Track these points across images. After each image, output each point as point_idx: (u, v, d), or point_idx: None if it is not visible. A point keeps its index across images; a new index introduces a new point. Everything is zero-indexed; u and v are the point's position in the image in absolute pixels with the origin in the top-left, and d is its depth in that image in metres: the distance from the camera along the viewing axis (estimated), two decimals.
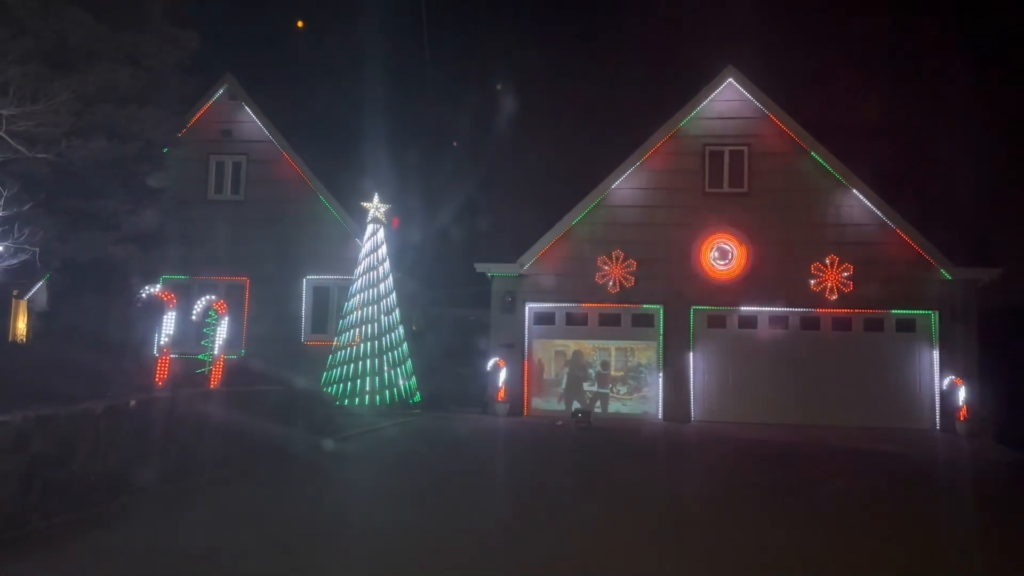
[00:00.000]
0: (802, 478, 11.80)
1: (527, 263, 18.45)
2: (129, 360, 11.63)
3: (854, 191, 17.77)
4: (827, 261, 17.62)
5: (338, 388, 16.98)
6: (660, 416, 18.01)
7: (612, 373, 18.59)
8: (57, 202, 14.19)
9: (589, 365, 18.64)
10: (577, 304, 18.55)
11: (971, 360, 17.19)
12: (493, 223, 20.68)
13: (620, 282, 18.15)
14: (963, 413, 16.80)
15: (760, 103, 18.21)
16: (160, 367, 10.52)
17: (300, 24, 27.07)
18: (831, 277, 17.57)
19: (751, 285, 17.83)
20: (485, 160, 24.75)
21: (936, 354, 17.49)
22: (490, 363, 18.28)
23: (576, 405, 17.92)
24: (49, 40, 13.84)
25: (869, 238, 17.73)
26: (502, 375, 18.09)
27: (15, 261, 12.42)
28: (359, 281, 17.61)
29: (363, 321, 17.35)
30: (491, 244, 19.35)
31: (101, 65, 14.30)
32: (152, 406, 9.16)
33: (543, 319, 18.74)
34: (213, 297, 11.87)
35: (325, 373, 17.35)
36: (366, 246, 17.73)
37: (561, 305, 18.61)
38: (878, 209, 17.64)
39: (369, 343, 17.20)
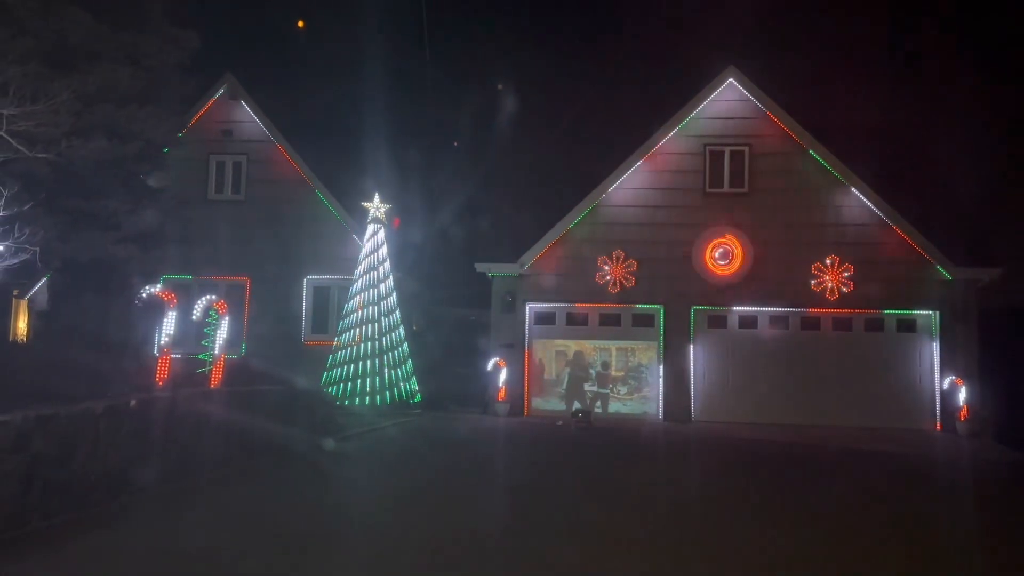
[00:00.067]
0: (802, 478, 11.79)
1: (527, 263, 18.45)
2: (129, 360, 11.63)
3: (854, 191, 17.77)
4: (827, 261, 17.62)
5: (338, 388, 16.97)
6: (660, 416, 18.00)
7: (613, 373, 18.59)
8: (57, 202, 14.19)
9: (590, 365, 18.63)
10: (577, 304, 18.54)
11: (971, 360, 17.18)
12: (493, 223, 20.70)
13: (620, 282, 18.15)
14: (963, 413, 16.79)
15: (761, 103, 18.20)
16: (160, 367, 10.52)
17: (300, 24, 27.07)
18: (831, 277, 17.57)
19: (751, 285, 17.82)
20: (485, 160, 24.76)
21: (936, 354, 17.48)
22: (490, 363, 18.28)
23: (577, 405, 17.92)
24: (49, 40, 13.83)
25: (869, 238, 17.73)
26: (502, 375, 18.09)
27: (15, 261, 12.42)
28: (359, 281, 17.61)
29: (364, 321, 17.34)
30: (491, 244, 19.35)
31: (101, 65, 14.29)
32: (152, 406, 9.15)
33: (543, 319, 18.73)
34: (213, 297, 11.86)
35: (325, 373, 17.35)
36: (367, 246, 17.73)
37: (561, 305, 18.61)
38: (878, 209, 17.64)
39: (369, 343, 17.19)
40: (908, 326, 17.86)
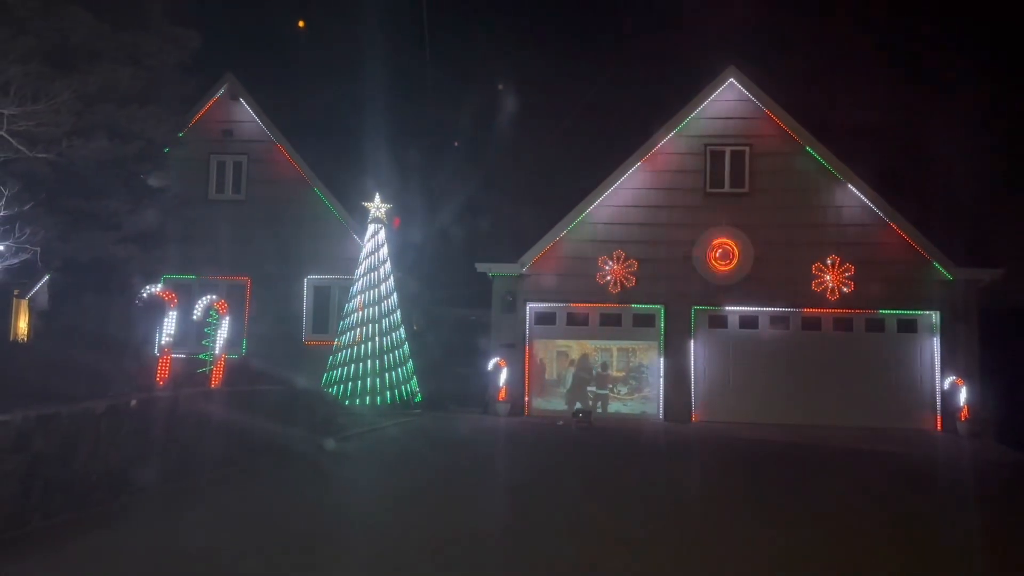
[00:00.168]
0: (803, 478, 11.79)
1: (528, 263, 18.44)
2: (130, 360, 11.64)
3: (855, 191, 17.76)
4: (828, 261, 17.61)
5: (339, 388, 16.97)
6: (661, 416, 18.00)
7: (613, 373, 18.59)
8: (58, 202, 14.19)
9: (594, 367, 18.63)
10: (578, 304, 18.54)
11: (972, 360, 17.17)
12: (494, 223, 20.69)
13: (621, 282, 18.14)
14: (964, 413, 16.79)
15: (761, 103, 18.19)
16: (161, 367, 10.53)
17: (301, 24, 27.08)
18: (832, 277, 17.56)
19: (752, 285, 17.81)
20: (486, 160, 24.75)
21: (937, 354, 17.47)
22: (491, 363, 18.28)
23: (578, 405, 17.92)
24: (50, 40, 13.82)
25: (870, 238, 17.72)
26: (503, 375, 18.09)
27: (16, 261, 12.43)
28: (360, 281, 17.61)
29: (364, 321, 17.34)
30: (492, 244, 19.35)
31: (102, 65, 14.29)
32: (153, 406, 9.16)
33: (544, 319, 18.73)
34: (214, 297, 11.86)
35: (326, 373, 17.35)
36: (367, 246, 17.73)
37: (562, 305, 18.60)
38: (879, 209, 17.63)
39: (370, 343, 17.19)
40: (909, 326, 17.85)
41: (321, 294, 19.87)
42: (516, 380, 18.26)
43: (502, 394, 18.03)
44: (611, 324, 18.57)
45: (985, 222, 18.93)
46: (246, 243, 19.45)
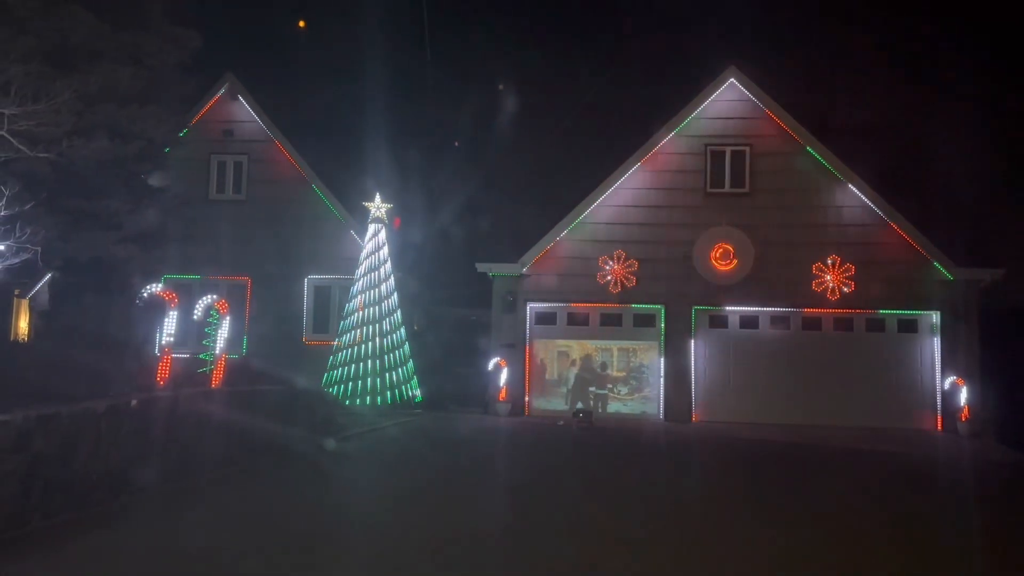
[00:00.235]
0: (803, 478, 11.79)
1: (528, 263, 18.44)
2: (130, 359, 11.63)
3: (856, 191, 17.75)
4: (829, 261, 17.60)
5: (340, 388, 16.97)
6: (661, 416, 18.00)
7: (614, 373, 18.59)
8: (59, 201, 14.19)
9: (596, 367, 18.63)
10: (578, 304, 18.54)
11: (973, 361, 17.17)
12: (494, 223, 20.69)
13: (621, 282, 18.14)
14: (965, 414, 16.78)
15: (762, 103, 18.19)
16: (161, 366, 10.52)
17: (301, 24, 27.08)
18: (833, 277, 17.55)
19: (753, 285, 17.80)
20: (486, 160, 24.75)
21: (938, 354, 17.47)
22: (491, 363, 18.28)
23: (580, 405, 17.91)
24: (50, 39, 13.82)
25: (871, 238, 17.71)
26: (503, 375, 18.09)
27: (17, 260, 12.43)
28: (360, 281, 17.61)
29: (365, 321, 17.34)
30: (492, 244, 19.35)
31: (102, 65, 14.29)
32: (153, 405, 9.16)
33: (544, 319, 18.73)
34: (215, 297, 11.86)
35: (326, 373, 17.35)
36: (368, 246, 17.73)
37: (562, 305, 18.60)
38: (880, 209, 17.62)
39: (370, 343, 17.19)
40: (909, 326, 17.85)
41: (321, 294, 19.87)
42: (516, 380, 18.26)
43: (502, 394, 18.03)
44: (611, 324, 18.57)
45: (985, 222, 18.92)
46: (246, 243, 19.45)
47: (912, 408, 17.50)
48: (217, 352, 11.59)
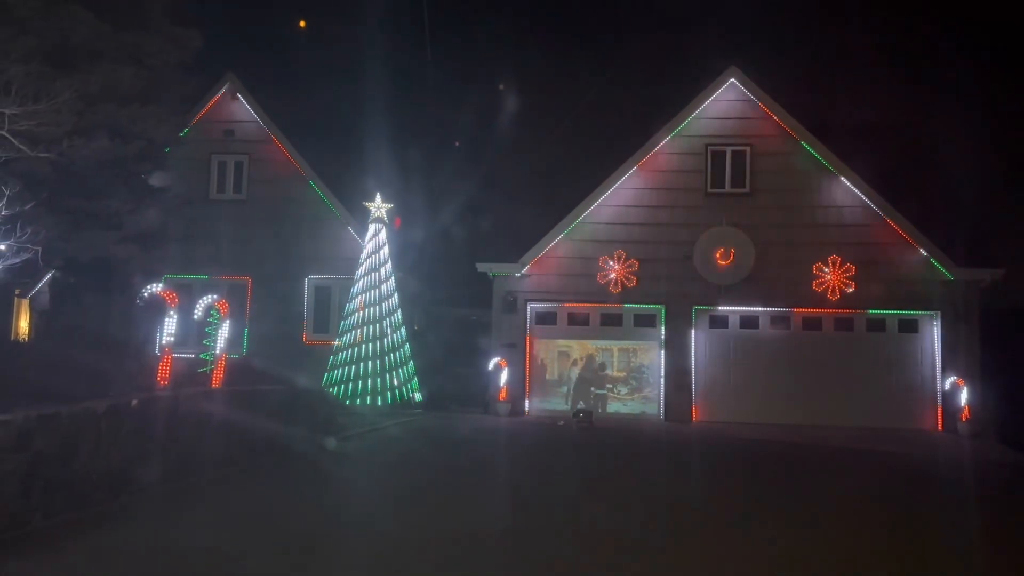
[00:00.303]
0: (804, 479, 11.79)
1: (529, 263, 18.44)
2: (131, 359, 11.62)
3: (856, 191, 17.76)
4: (829, 261, 17.60)
5: (340, 388, 16.98)
6: (662, 416, 18.00)
7: (614, 373, 18.59)
8: (59, 201, 14.19)
9: (598, 368, 18.63)
10: (579, 304, 18.54)
11: (973, 361, 17.17)
12: (494, 223, 20.68)
13: (622, 282, 18.14)
14: (965, 414, 16.78)
15: (762, 103, 18.19)
16: (162, 366, 10.52)
17: (302, 23, 27.08)
18: (833, 277, 17.55)
19: (753, 285, 17.80)
20: (487, 160, 24.75)
21: (938, 354, 17.47)
22: (492, 363, 18.28)
23: (581, 405, 17.91)
24: (51, 39, 13.81)
25: (871, 238, 17.72)
26: (503, 375, 18.09)
27: (18, 260, 12.43)
28: (361, 281, 17.62)
29: (365, 322, 17.35)
30: (493, 244, 19.35)
31: (103, 64, 14.28)
32: (154, 405, 9.16)
33: (545, 319, 18.73)
34: (215, 296, 11.86)
35: (327, 373, 17.36)
36: (368, 246, 17.73)
37: (563, 305, 18.60)
38: (880, 209, 17.62)
39: (371, 344, 17.20)
40: (909, 326, 17.85)
41: (322, 294, 19.88)
42: (517, 380, 18.27)
43: (503, 394, 18.03)
44: (612, 324, 18.58)
45: (985, 222, 18.92)
46: (247, 243, 19.47)
47: (912, 408, 17.50)
48: (217, 352, 11.60)
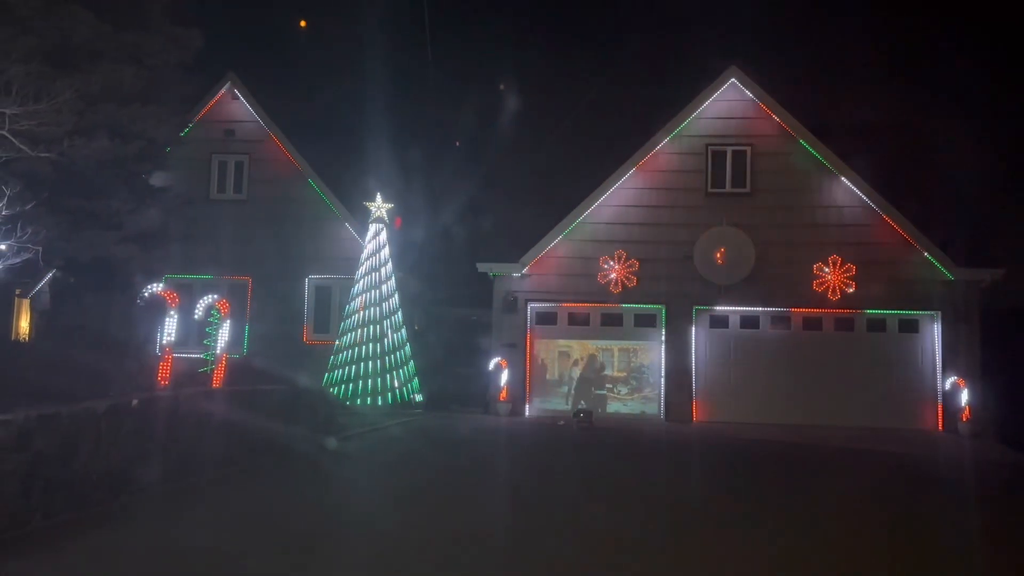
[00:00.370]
0: (804, 479, 11.79)
1: (529, 263, 18.44)
2: (131, 359, 11.61)
3: (857, 191, 17.75)
4: (830, 261, 17.60)
5: (341, 388, 16.98)
6: (662, 416, 18.00)
7: (614, 374, 18.59)
8: (59, 201, 14.19)
9: (599, 368, 18.62)
10: (579, 304, 18.54)
11: (974, 361, 17.16)
12: (495, 223, 20.69)
13: (622, 282, 18.14)
14: (966, 414, 16.77)
15: (763, 103, 18.19)
16: (162, 366, 10.52)
17: (303, 23, 27.09)
18: (833, 277, 17.55)
19: (753, 285, 17.80)
20: (487, 160, 24.76)
21: (939, 355, 17.46)
22: (492, 363, 18.28)
23: (582, 404, 17.91)
24: (52, 39, 13.82)
25: (871, 238, 17.71)
26: (504, 375, 18.09)
27: (18, 260, 12.43)
28: (362, 281, 17.62)
29: (366, 322, 17.35)
30: (493, 244, 19.35)
31: (104, 64, 14.29)
32: (154, 405, 9.16)
33: (545, 319, 18.73)
34: (215, 296, 11.86)
35: (327, 373, 17.36)
36: (369, 246, 17.74)
37: (563, 305, 18.60)
38: (881, 209, 17.62)
39: (372, 344, 17.20)
40: (910, 326, 17.84)
41: (322, 294, 19.88)
42: (517, 380, 18.27)
43: (503, 394, 18.03)
44: (612, 324, 18.58)
45: (986, 222, 18.91)
46: (247, 243, 19.47)
47: (913, 408, 17.50)
48: (218, 352, 11.59)
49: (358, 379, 16.97)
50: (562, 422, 17.07)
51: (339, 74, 24.16)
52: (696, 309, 18.14)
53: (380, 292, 17.49)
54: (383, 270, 17.61)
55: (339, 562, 6.84)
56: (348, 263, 18.74)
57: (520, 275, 18.46)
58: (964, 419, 16.75)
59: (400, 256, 18.63)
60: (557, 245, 18.50)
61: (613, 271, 18.13)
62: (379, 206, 17.68)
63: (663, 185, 18.44)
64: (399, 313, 17.81)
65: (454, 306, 21.89)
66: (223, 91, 20.11)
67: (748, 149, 18.21)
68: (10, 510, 6.89)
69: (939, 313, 17.49)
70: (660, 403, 18.14)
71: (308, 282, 19.79)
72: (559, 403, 18.49)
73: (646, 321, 18.43)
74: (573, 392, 18.58)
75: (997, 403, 16.79)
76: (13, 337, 18.15)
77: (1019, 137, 21.39)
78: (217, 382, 11.42)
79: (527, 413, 18.30)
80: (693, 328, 18.11)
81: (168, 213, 16.69)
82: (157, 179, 16.80)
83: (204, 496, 9.05)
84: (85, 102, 13.35)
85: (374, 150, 20.54)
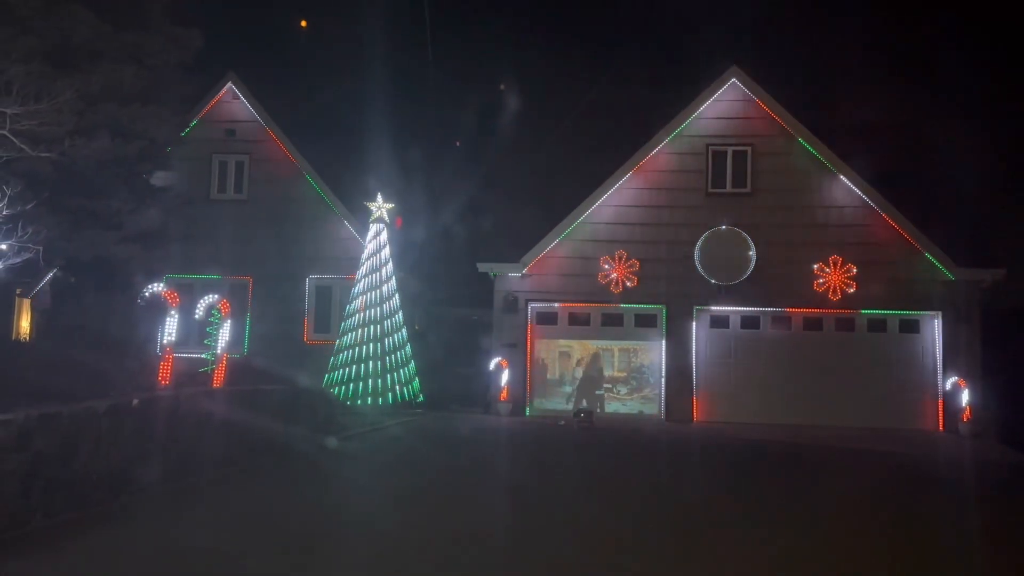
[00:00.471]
0: (804, 479, 11.79)
1: (529, 263, 18.44)
2: (132, 359, 11.62)
3: (857, 191, 17.75)
4: (830, 261, 17.60)
5: (341, 388, 16.98)
6: (662, 416, 18.00)
7: (615, 373, 18.59)
8: (60, 201, 14.19)
9: (600, 367, 18.62)
10: (580, 304, 18.54)
11: (974, 361, 17.15)
12: (495, 223, 20.69)
13: (623, 282, 18.14)
14: (967, 414, 16.77)
15: (763, 103, 18.18)
16: (163, 366, 10.53)
17: (303, 23, 27.09)
18: (834, 277, 17.55)
19: (754, 285, 17.80)
20: (487, 160, 24.75)
21: (939, 355, 17.45)
22: (492, 363, 18.28)
23: (584, 404, 17.91)
24: (52, 39, 13.82)
25: (872, 238, 17.71)
26: (504, 375, 18.09)
27: (18, 260, 12.43)
28: (362, 282, 17.62)
29: (366, 322, 17.35)
30: (494, 244, 19.35)
31: (104, 64, 14.29)
32: (155, 405, 9.16)
33: (545, 319, 18.73)
34: (216, 296, 11.87)
35: (328, 373, 17.35)
36: (369, 246, 17.74)
37: (564, 305, 18.60)
38: (881, 209, 17.62)
39: (372, 344, 17.20)
40: (911, 326, 17.84)
41: (323, 294, 19.89)
42: (518, 380, 18.26)
43: (504, 394, 18.03)
44: (613, 324, 18.58)
45: (986, 222, 18.90)
46: (248, 243, 19.48)
47: (913, 408, 17.50)
48: (219, 352, 11.60)
49: (358, 379, 16.97)
50: (563, 422, 17.07)
51: (339, 74, 24.17)
52: (696, 309, 18.14)
53: (381, 292, 17.49)
54: (384, 270, 17.60)
55: (339, 562, 6.84)
56: (349, 263, 18.75)
57: (520, 275, 18.46)
58: (965, 419, 16.74)
59: (401, 256, 18.63)
60: (557, 245, 18.50)
61: (613, 271, 18.13)
62: (380, 206, 17.68)
63: (663, 185, 18.44)
64: (400, 313, 17.80)
65: (454, 306, 21.89)
66: (223, 91, 20.11)
67: (748, 149, 18.21)
68: (10, 510, 6.89)
69: (940, 313, 17.48)
70: (660, 403, 18.14)
71: (309, 282, 19.79)
72: (559, 403, 18.49)
73: (646, 321, 18.43)
74: (575, 391, 18.57)
75: (998, 403, 16.78)
76: (14, 337, 18.14)
77: (1019, 137, 21.39)
78: (217, 382, 11.43)
79: (527, 413, 18.30)
80: (693, 328, 18.11)
81: (169, 213, 16.68)
82: (158, 179, 16.79)
83: (204, 496, 9.06)
84: (85, 102, 13.35)
85: (374, 150, 20.53)
